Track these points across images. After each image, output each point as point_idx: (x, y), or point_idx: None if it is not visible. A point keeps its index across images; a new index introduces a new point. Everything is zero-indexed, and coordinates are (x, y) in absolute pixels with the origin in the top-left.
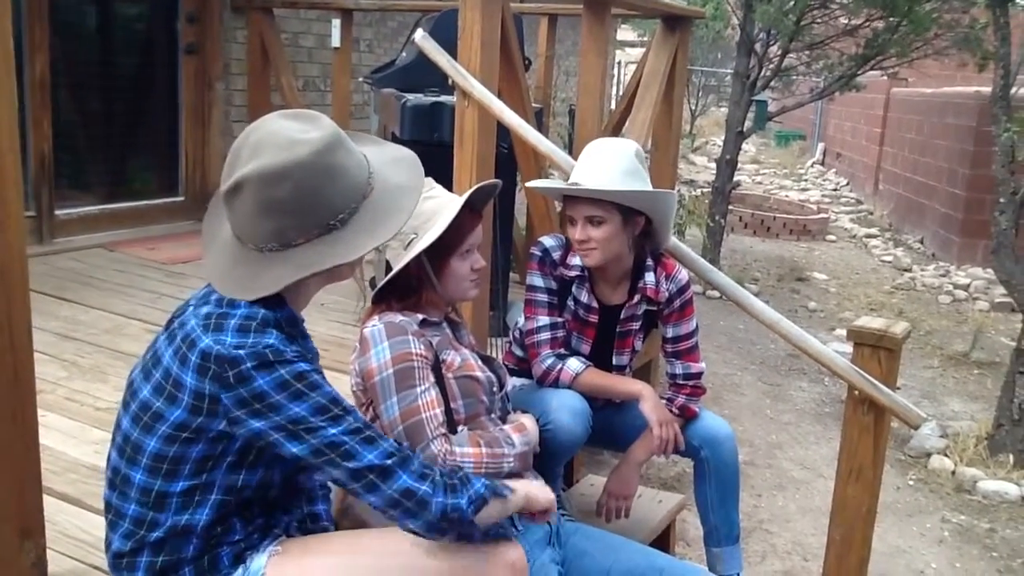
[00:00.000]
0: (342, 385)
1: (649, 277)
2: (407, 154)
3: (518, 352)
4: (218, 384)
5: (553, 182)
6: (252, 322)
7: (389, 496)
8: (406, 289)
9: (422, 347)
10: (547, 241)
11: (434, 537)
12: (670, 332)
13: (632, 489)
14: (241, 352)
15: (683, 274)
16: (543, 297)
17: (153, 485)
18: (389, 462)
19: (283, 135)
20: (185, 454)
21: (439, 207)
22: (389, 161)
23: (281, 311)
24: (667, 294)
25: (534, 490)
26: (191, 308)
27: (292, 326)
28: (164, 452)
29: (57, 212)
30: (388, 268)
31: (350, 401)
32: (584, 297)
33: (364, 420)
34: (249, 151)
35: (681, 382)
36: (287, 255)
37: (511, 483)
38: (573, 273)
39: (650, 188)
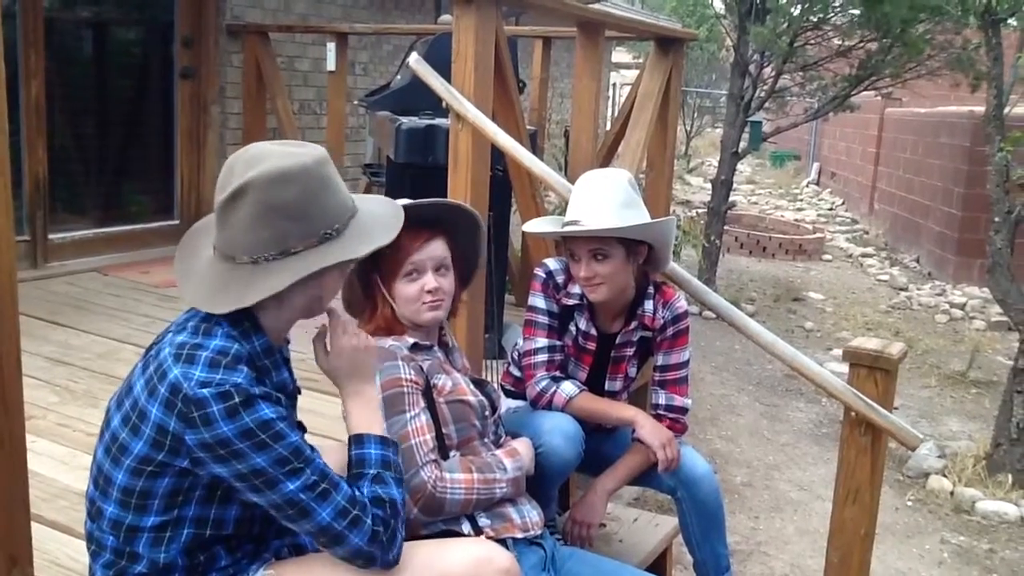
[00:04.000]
0: (335, 408)
1: (648, 305)
2: (377, 196)
3: (516, 373)
4: (183, 423)
5: (551, 222)
6: (224, 357)
7: (343, 555)
8: (372, 308)
9: (412, 372)
10: (551, 264)
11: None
12: (660, 360)
13: (596, 518)
14: (206, 392)
15: (681, 303)
16: (543, 319)
17: (124, 519)
18: (340, 525)
19: (280, 148)
20: (152, 488)
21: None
22: (361, 198)
23: (258, 339)
24: (662, 321)
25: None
26: (169, 335)
27: (268, 355)
28: (132, 486)
29: (51, 236)
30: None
31: (340, 425)
32: (583, 325)
33: (321, 470)
34: (244, 165)
35: (662, 413)
36: (286, 263)
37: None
38: (573, 301)
39: (647, 215)
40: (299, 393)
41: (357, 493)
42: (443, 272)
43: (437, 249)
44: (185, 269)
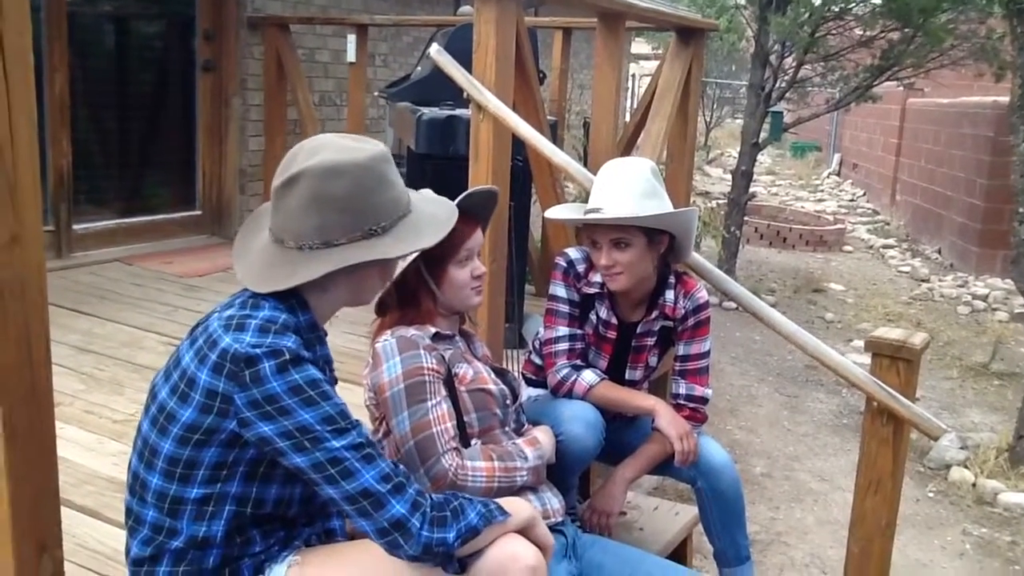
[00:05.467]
0: (355, 396)
1: (669, 294)
2: (441, 198)
3: (537, 361)
4: (233, 383)
5: (573, 209)
6: (273, 324)
7: (380, 525)
8: (406, 300)
9: (434, 361)
10: (572, 253)
11: (416, 563)
12: (681, 350)
13: (616, 507)
14: (258, 351)
15: (702, 293)
16: (564, 308)
17: (169, 489)
18: (384, 488)
19: (342, 142)
20: (198, 458)
21: None
22: (424, 199)
23: (303, 315)
24: (683, 311)
25: (536, 519)
26: (215, 313)
27: (312, 331)
28: (178, 455)
29: (75, 227)
30: None
31: (364, 413)
32: (604, 313)
33: (367, 436)
34: (307, 154)
35: (682, 403)
36: (327, 253)
37: (515, 505)
38: (593, 290)
39: (669, 205)
40: (336, 383)
41: (401, 468)
42: (480, 258)
43: (480, 236)
44: (242, 247)
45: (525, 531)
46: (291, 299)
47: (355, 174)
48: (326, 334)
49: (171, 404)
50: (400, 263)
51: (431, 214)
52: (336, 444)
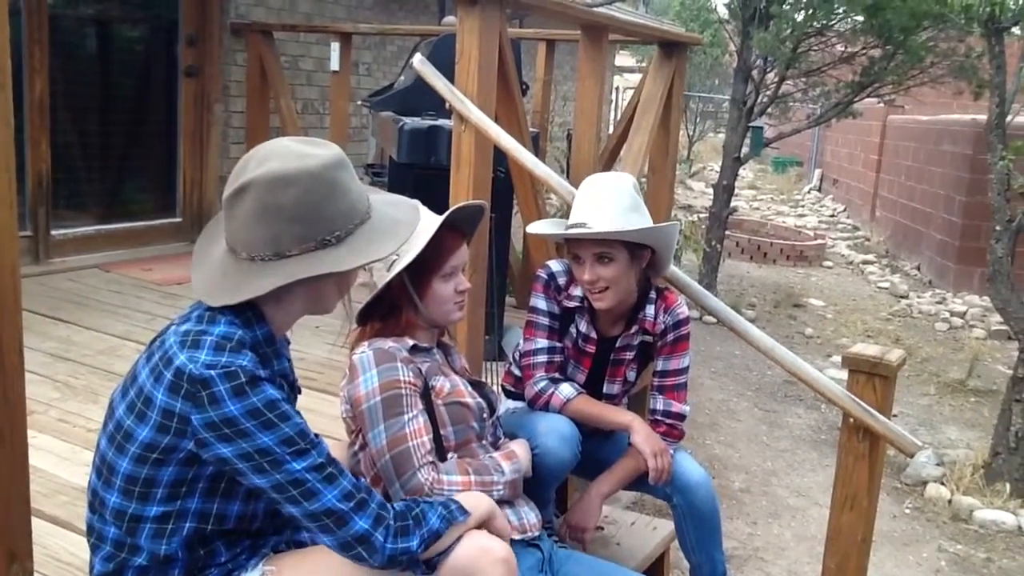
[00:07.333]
0: (334, 408)
1: (649, 309)
2: (405, 199)
3: (517, 373)
4: (190, 404)
5: (555, 224)
6: (228, 342)
7: (344, 540)
8: (389, 310)
9: (411, 374)
10: (554, 266)
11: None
12: (660, 365)
13: (591, 522)
14: (212, 372)
15: (682, 309)
16: (544, 320)
17: (127, 508)
18: (346, 506)
19: (294, 148)
20: (156, 477)
21: (421, 228)
22: (387, 202)
23: (260, 328)
24: (663, 326)
25: (495, 510)
26: (173, 326)
27: (269, 344)
28: (136, 474)
29: (53, 232)
30: None
31: (341, 425)
32: (583, 327)
33: (328, 454)
34: (257, 161)
35: (659, 418)
36: (279, 265)
37: (474, 499)
38: (574, 304)
39: (650, 220)
40: (299, 392)
41: (362, 483)
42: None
43: (465, 252)
44: (200, 256)
45: (484, 523)
46: (247, 312)
47: (305, 183)
48: (289, 342)
49: (128, 422)
50: (384, 275)
51: (392, 219)
52: (297, 466)
